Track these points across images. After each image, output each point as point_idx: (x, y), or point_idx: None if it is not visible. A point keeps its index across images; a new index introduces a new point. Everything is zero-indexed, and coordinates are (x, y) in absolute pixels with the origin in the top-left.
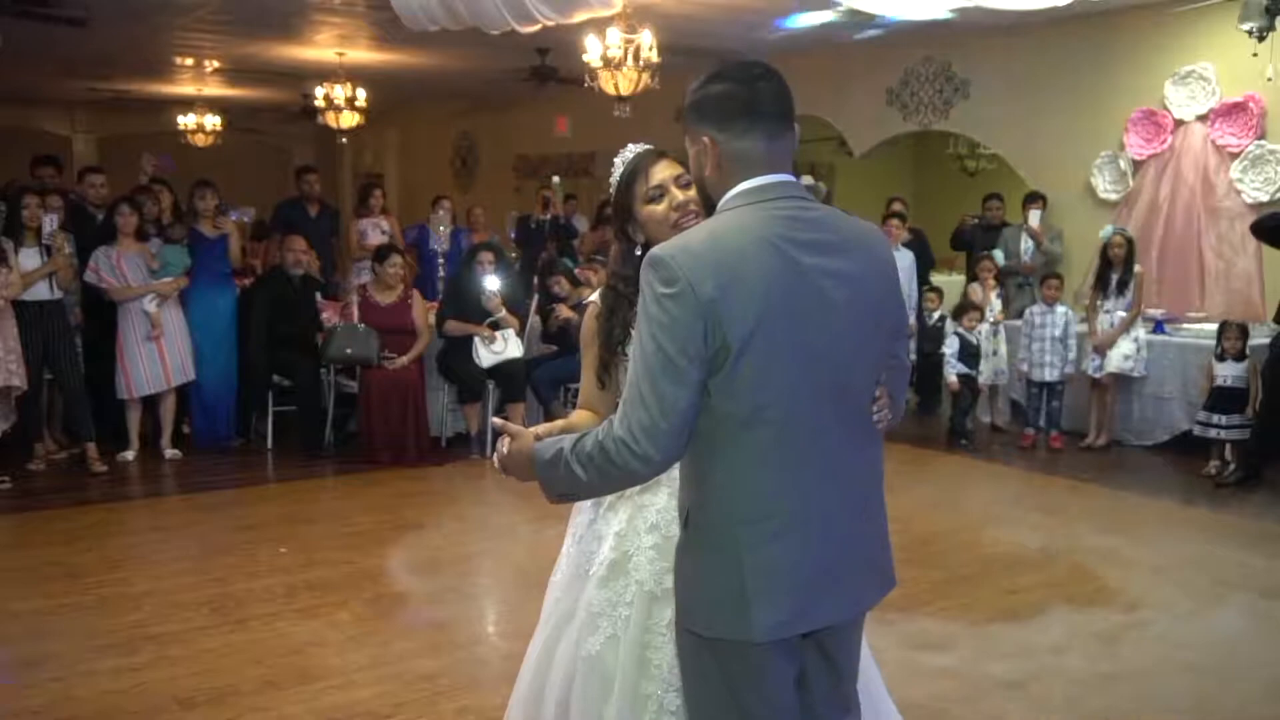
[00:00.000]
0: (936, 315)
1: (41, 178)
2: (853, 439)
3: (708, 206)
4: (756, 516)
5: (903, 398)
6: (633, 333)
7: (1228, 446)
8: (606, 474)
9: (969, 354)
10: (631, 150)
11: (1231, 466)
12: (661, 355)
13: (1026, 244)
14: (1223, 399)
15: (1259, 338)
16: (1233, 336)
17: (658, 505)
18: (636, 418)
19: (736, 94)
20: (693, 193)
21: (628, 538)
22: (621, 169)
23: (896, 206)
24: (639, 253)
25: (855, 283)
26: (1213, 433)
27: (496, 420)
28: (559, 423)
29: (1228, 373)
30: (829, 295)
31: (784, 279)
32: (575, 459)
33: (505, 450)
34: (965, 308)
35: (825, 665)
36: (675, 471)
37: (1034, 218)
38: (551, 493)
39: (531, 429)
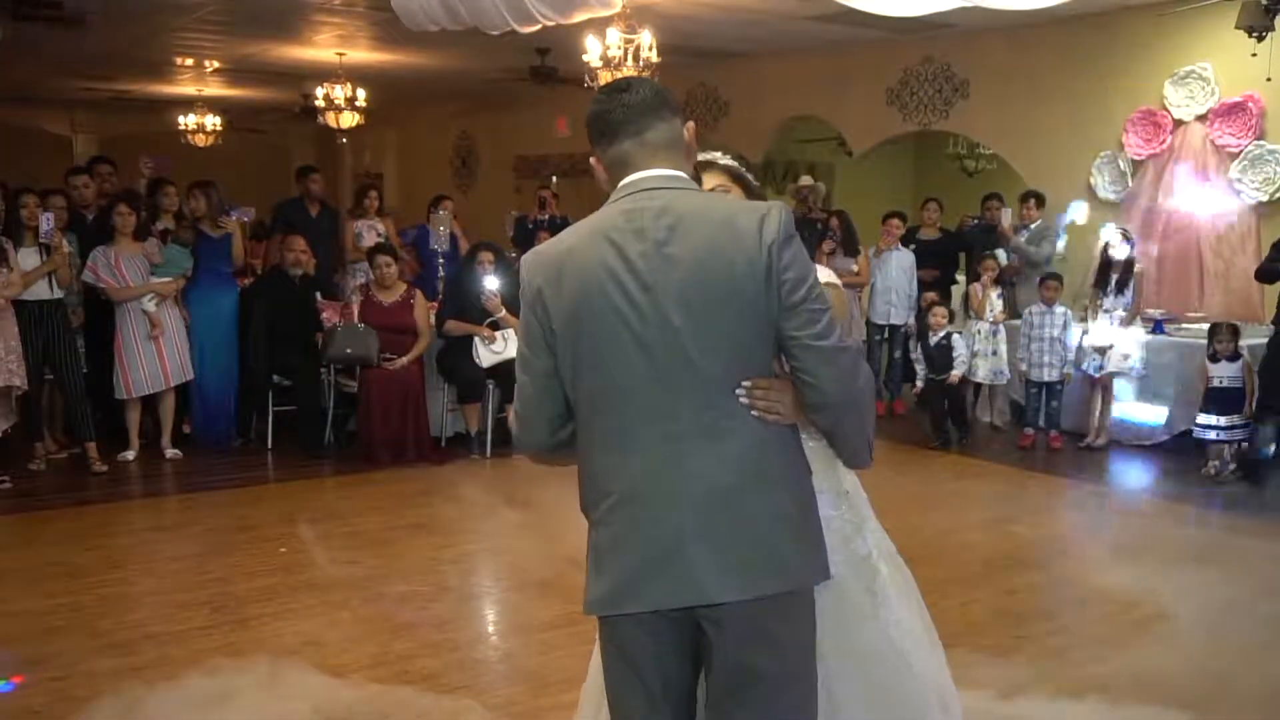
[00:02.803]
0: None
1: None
2: (707, 423)
3: None
4: (597, 497)
5: (835, 376)
6: None
7: (1226, 447)
8: None
9: (928, 356)
10: (700, 157)
11: (1231, 466)
12: (519, 347)
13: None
14: (1220, 400)
15: (1256, 337)
16: (1224, 338)
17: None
18: (515, 404)
19: (598, 114)
20: None
21: None
22: None
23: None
24: None
25: (692, 265)
26: (1212, 434)
27: None
28: None
29: (1223, 373)
30: (653, 279)
31: (606, 267)
32: None
33: None
34: (930, 305)
35: (726, 661)
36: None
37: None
38: None
39: None
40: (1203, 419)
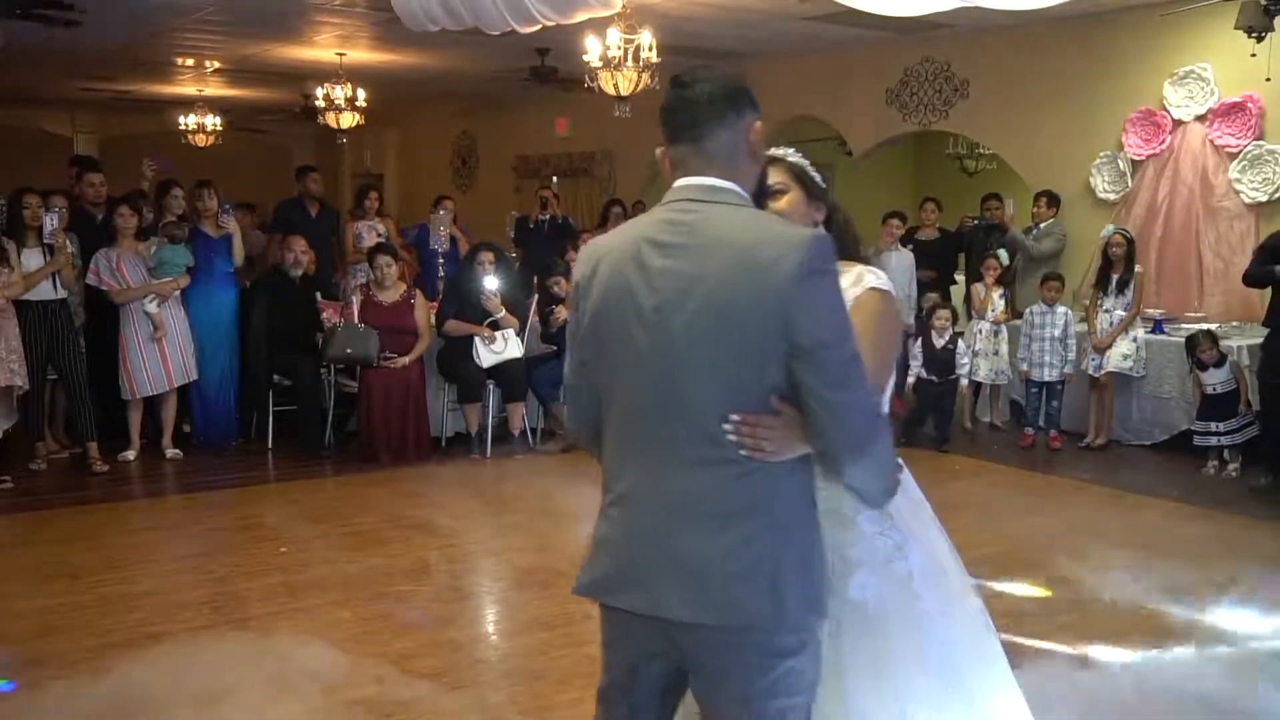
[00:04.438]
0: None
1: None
2: (696, 451)
3: None
4: (605, 488)
5: (843, 438)
6: None
7: (1226, 448)
8: None
9: (932, 359)
10: (771, 151)
11: (1230, 466)
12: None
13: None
14: (1216, 406)
15: (1253, 338)
16: (1205, 345)
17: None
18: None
19: (664, 109)
20: (780, 204)
21: None
22: None
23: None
24: None
25: (705, 293)
26: (1213, 440)
27: None
28: None
29: (1214, 380)
30: (665, 301)
31: (626, 278)
32: None
33: None
34: (934, 308)
35: (694, 680)
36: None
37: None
38: None
39: None
40: (1202, 426)
